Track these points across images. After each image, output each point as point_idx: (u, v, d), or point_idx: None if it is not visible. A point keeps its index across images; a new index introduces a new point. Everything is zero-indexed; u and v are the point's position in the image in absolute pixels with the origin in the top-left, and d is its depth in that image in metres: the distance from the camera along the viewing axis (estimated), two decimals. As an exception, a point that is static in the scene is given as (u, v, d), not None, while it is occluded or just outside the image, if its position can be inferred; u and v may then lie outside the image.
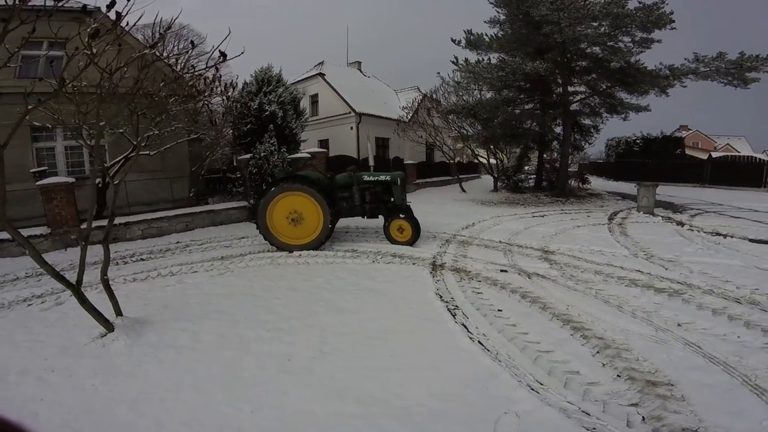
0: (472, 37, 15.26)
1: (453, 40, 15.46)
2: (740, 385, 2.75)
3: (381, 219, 8.03)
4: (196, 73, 5.48)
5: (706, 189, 19.11)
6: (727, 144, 45.50)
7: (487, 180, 21.74)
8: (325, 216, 7.18)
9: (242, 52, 3.83)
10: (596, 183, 22.08)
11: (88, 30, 2.92)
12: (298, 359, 3.31)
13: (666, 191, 17.45)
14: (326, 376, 3.06)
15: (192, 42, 6.32)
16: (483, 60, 14.12)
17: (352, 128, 19.87)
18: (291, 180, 7.40)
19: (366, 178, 7.94)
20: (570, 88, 16.15)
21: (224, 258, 6.97)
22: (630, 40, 14.29)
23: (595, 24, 13.42)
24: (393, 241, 7.51)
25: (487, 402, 2.65)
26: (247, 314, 4.29)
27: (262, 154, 10.47)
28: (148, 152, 9.19)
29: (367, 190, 7.90)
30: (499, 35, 15.45)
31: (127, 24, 3.46)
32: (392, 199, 7.86)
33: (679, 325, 3.69)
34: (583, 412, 2.52)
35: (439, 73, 15.16)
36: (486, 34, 15.30)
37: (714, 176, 20.12)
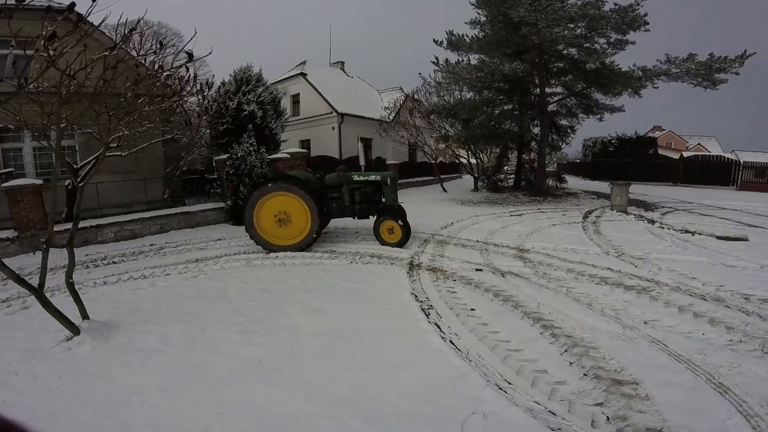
0: (453, 38, 15.38)
1: (435, 41, 15.55)
2: (704, 384, 2.80)
3: (372, 220, 7.90)
4: (166, 73, 5.34)
5: (678, 188, 19.76)
6: (699, 144, 47.07)
7: (468, 180, 21.93)
8: (312, 217, 7.09)
9: (209, 53, 3.76)
10: (574, 182, 22.54)
11: (44, 33, 2.82)
12: (269, 361, 3.28)
13: (640, 190, 17.95)
14: (296, 377, 3.04)
15: (160, 42, 6.18)
16: (462, 61, 14.22)
17: (333, 128, 19.77)
18: (279, 180, 7.30)
19: (356, 178, 7.84)
20: (547, 89, 16.42)
21: (198, 260, 6.84)
22: (605, 41, 14.63)
23: (571, 26, 13.68)
24: (383, 242, 7.40)
25: (456, 402, 2.66)
26: (219, 317, 4.23)
27: (239, 155, 10.32)
28: (120, 153, 8.97)
29: (356, 191, 7.79)
30: (480, 36, 15.61)
31: (90, 25, 3.37)
32: (383, 200, 7.77)
33: (645, 322, 3.78)
34: (549, 412, 2.55)
35: (420, 73, 15.26)
36: (467, 35, 15.45)
37: (686, 175, 20.81)
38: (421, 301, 4.55)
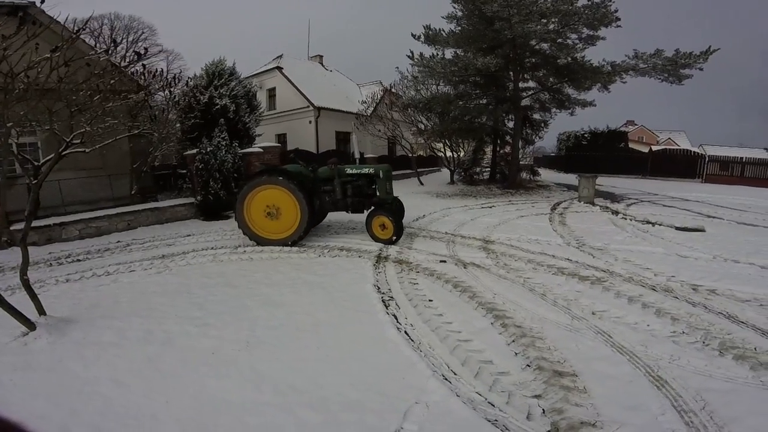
0: (430, 32, 15.39)
1: (413, 35, 15.54)
2: (642, 377, 2.86)
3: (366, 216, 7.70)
4: (133, 68, 5.24)
5: (647, 180, 20.38)
6: (669, 138, 48.57)
7: (446, 173, 22.12)
8: (302, 211, 6.94)
9: (146, 51, 3.68)
10: (548, 175, 23.00)
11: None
12: (223, 353, 3.33)
13: (610, 182, 18.45)
14: (248, 368, 3.10)
15: (114, 40, 6.05)
16: (437, 55, 14.28)
17: (310, 122, 19.63)
18: (269, 173, 7.18)
19: (348, 171, 7.69)
20: (521, 84, 16.65)
21: (165, 256, 6.76)
22: (577, 37, 14.91)
23: (544, 21, 13.89)
24: (375, 238, 7.19)
25: (402, 392, 2.75)
26: (179, 311, 4.26)
27: (209, 149, 10.18)
28: (83, 150, 8.75)
29: (349, 184, 7.60)
30: (456, 31, 15.69)
31: (40, 25, 3.29)
32: (377, 193, 7.61)
33: (593, 313, 3.91)
34: (488, 403, 2.64)
35: (398, 67, 15.23)
36: (443, 30, 15.51)
37: (654, 168, 21.49)
38: (383, 293, 4.64)
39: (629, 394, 2.68)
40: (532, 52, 15.19)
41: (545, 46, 15.01)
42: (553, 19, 14.12)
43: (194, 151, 10.92)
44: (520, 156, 19.61)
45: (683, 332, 3.50)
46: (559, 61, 14.81)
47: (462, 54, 14.30)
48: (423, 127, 17.80)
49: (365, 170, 7.64)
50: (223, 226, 9.57)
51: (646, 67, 14.15)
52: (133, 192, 10.95)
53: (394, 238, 7.01)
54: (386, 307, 4.20)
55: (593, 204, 11.35)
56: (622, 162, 22.59)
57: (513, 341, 3.39)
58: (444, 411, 2.55)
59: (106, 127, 8.90)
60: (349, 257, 6.30)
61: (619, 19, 14.26)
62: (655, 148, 24.39)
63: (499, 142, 18.98)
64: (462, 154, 19.89)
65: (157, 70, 10.62)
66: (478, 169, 18.82)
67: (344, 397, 2.72)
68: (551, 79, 15.91)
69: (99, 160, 10.68)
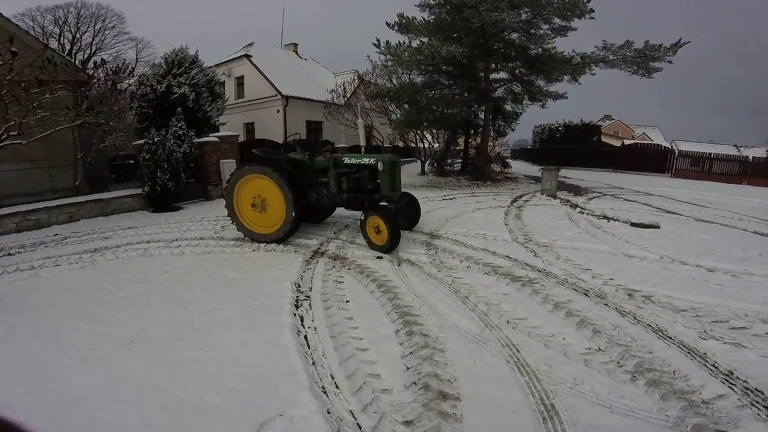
0: (404, 21, 15.01)
1: (387, 24, 15.14)
2: (530, 407, 2.52)
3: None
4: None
5: (618, 174, 20.48)
6: (643, 133, 49.30)
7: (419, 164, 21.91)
8: (287, 205, 6.19)
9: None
10: (522, 167, 22.96)
11: None
12: (102, 350, 3.24)
13: (580, 175, 18.49)
14: (120, 365, 3.00)
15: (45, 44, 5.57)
16: (404, 43, 13.93)
17: (278, 111, 19.10)
18: (257, 161, 6.53)
19: (346, 160, 6.65)
20: (494, 75, 16.44)
21: (97, 250, 6.42)
22: (548, 27, 14.70)
23: (513, 12, 13.62)
24: (371, 245, 5.99)
25: (269, 402, 2.49)
26: (80, 307, 4.07)
27: (156, 140, 9.70)
28: (20, 141, 8.29)
29: (345, 176, 6.51)
30: (429, 20, 15.33)
31: None
32: (380, 189, 6.31)
33: (508, 322, 3.59)
34: (356, 425, 2.36)
35: (368, 56, 14.72)
36: (415, 18, 15.13)
37: (626, 162, 21.64)
38: (301, 292, 4.36)
39: (505, 428, 2.37)
40: (503, 41, 14.96)
41: (514, 35, 14.80)
42: (525, 9, 13.91)
43: (141, 141, 10.42)
44: (492, 147, 19.52)
45: (599, 349, 3.15)
46: (531, 52, 14.63)
47: (427, 42, 13.95)
48: (395, 117, 17.49)
49: (365, 160, 6.46)
50: (169, 218, 9.16)
51: (615, 59, 14.05)
52: (77, 183, 10.41)
53: (388, 245, 5.74)
54: (296, 308, 3.92)
55: (555, 197, 11.22)
56: (594, 155, 22.69)
57: (411, 353, 3.08)
58: (305, 428, 2.27)
59: (40, 119, 8.49)
60: (285, 252, 5.99)
61: (593, 11, 14.09)
62: (628, 142, 24.52)
63: (472, 133, 18.80)
64: (436, 145, 19.69)
65: (100, 61, 10.17)
66: (450, 161, 18.61)
67: (204, 401, 2.56)
68: (522, 69, 15.72)
69: (44, 152, 10.20)
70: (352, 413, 2.45)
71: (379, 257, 5.61)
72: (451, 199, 10.95)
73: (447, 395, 2.59)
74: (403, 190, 6.97)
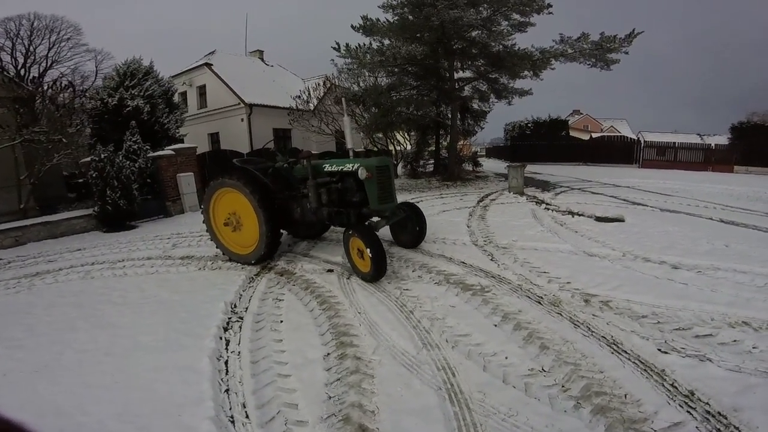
0: (368, 23, 14.81)
1: (353, 27, 14.90)
2: None
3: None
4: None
5: (586, 167, 20.73)
6: (611, 126, 50.31)
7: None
8: (260, 223, 5.41)
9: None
10: (494, 165, 23.02)
11: None
12: (14, 375, 3.14)
13: (550, 170, 18.60)
14: (29, 390, 2.92)
15: None
16: (364, 45, 13.72)
17: (243, 120, 18.66)
18: (229, 171, 5.76)
19: (327, 168, 5.60)
20: (460, 74, 16.37)
21: (39, 274, 6.18)
22: (507, 23, 14.71)
23: (472, 10, 13.57)
24: (356, 272, 4.96)
25: (167, 431, 2.32)
26: (3, 332, 3.98)
27: (103, 156, 9.22)
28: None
29: (325, 187, 5.43)
30: (393, 21, 15.18)
31: None
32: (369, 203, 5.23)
33: (447, 341, 3.29)
34: None
35: (332, 59, 14.36)
36: (379, 20, 14.94)
37: (594, 155, 21.95)
38: (235, 313, 4.09)
39: None
40: (464, 39, 14.88)
41: (475, 33, 14.76)
42: (483, 6, 13.88)
43: (88, 159, 9.92)
44: (464, 147, 19.48)
45: (543, 370, 2.85)
46: (492, 49, 14.60)
47: (389, 43, 13.78)
48: (363, 121, 17.25)
49: (349, 166, 5.28)
50: (121, 237, 8.71)
51: (573, 52, 14.13)
52: (22, 206, 9.82)
53: (372, 273, 4.67)
54: (225, 330, 3.63)
55: (522, 194, 11.13)
56: (563, 150, 22.93)
57: (338, 379, 2.79)
58: None
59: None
60: (230, 270, 5.65)
61: (551, 6, 14.13)
62: (596, 135, 24.92)
63: (442, 134, 18.70)
64: (408, 147, 19.55)
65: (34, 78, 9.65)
66: (422, 162, 18.48)
67: (102, 426, 2.47)
68: (486, 67, 15.69)
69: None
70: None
71: (329, 270, 5.31)
72: (418, 202, 10.73)
73: (366, 430, 2.31)
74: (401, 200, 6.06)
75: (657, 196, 10.90)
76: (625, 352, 3.04)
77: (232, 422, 2.41)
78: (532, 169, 19.42)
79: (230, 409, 2.54)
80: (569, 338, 3.25)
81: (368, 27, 14.84)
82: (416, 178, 16.89)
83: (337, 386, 2.74)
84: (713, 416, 2.35)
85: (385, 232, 6.26)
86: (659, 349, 3.03)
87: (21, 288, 5.50)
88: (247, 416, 2.45)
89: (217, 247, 6.29)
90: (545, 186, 13.16)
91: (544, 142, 23.43)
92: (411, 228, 6.10)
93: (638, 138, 23.40)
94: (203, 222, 6.34)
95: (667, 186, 13.16)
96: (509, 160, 25.27)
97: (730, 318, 3.46)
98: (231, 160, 6.82)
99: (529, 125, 24.53)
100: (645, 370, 2.81)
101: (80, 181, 14.74)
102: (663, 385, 2.64)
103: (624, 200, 10.14)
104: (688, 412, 2.39)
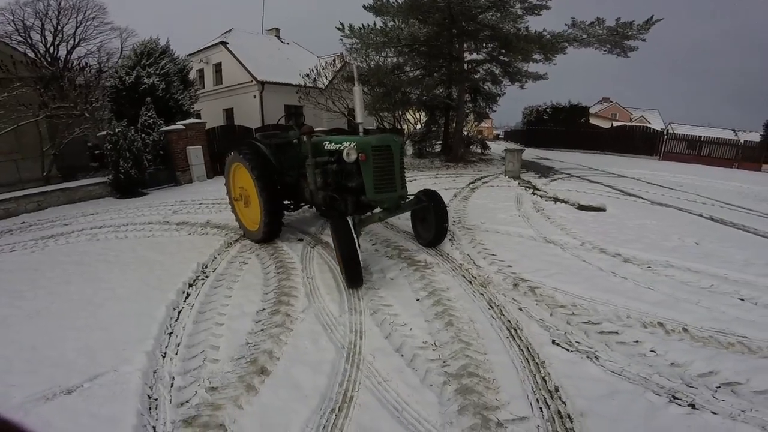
0: (378, 3, 14.88)
1: (364, 7, 15.00)
2: (326, 397, 2.48)
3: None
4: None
5: (605, 156, 20.21)
6: (642, 116, 47.70)
7: (405, 147, 21.92)
8: (260, 199, 5.17)
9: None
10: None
11: None
12: (11, 319, 3.65)
13: (561, 157, 18.33)
14: (17, 330, 3.43)
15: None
16: (368, 26, 13.84)
17: (255, 96, 19.25)
18: (242, 145, 5.57)
19: (327, 146, 5.02)
20: (472, 56, 16.22)
21: (53, 236, 6.84)
22: (521, 6, 14.41)
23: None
24: (340, 269, 4.30)
25: (111, 361, 2.88)
26: (10, 285, 4.50)
27: (117, 130, 10.00)
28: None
29: (323, 166, 4.83)
30: (402, 1, 15.15)
31: None
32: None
33: (370, 309, 3.61)
34: (170, 384, 2.65)
35: (341, 39, 14.44)
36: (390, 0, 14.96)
37: (613, 144, 21.30)
38: (204, 272, 4.67)
39: (294, 411, 2.33)
40: (473, 20, 14.69)
41: (490, 14, 14.54)
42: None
43: (104, 132, 10.76)
44: (473, 129, 19.41)
45: (435, 345, 2.97)
46: (502, 30, 14.38)
47: (391, 23, 13.81)
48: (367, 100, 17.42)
49: (347, 144, 4.53)
50: (130, 204, 9.52)
51: (587, 37, 13.79)
52: (45, 174, 10.79)
53: (345, 281, 4.05)
54: (189, 287, 4.19)
55: (517, 178, 11.21)
56: (580, 137, 22.39)
57: (262, 330, 3.28)
58: (123, 381, 2.63)
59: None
60: (215, 235, 6.26)
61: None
62: (617, 124, 24.19)
63: (451, 115, 18.67)
64: (418, 126, 19.63)
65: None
66: (432, 142, 18.57)
67: (62, 357, 2.96)
68: (496, 50, 15.50)
69: (13, 145, 10.62)
70: (172, 375, 2.70)
71: (299, 239, 5.79)
72: (410, 182, 10.99)
73: (265, 371, 2.75)
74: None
75: (658, 188, 10.62)
76: (519, 338, 3.08)
77: (164, 356, 2.95)
78: (543, 154, 19.26)
79: (166, 347, 3.09)
80: (476, 318, 3.37)
81: (378, 7, 14.89)
82: (422, 157, 17.05)
83: (258, 335, 3.22)
84: (561, 418, 2.29)
85: (404, 223, 6.25)
86: (553, 341, 3.04)
87: (36, 248, 6.15)
88: (177, 353, 2.99)
89: (236, 221, 6.20)
90: (546, 172, 13.12)
91: (562, 128, 22.97)
92: (428, 222, 5.25)
93: (668, 129, 22.52)
94: (226, 194, 6.32)
95: (676, 180, 12.67)
96: (524, 144, 25.02)
97: (648, 317, 3.37)
98: (240, 135, 7.06)
99: (548, 110, 24.05)
100: (525, 359, 2.83)
101: (98, 152, 15.85)
102: (533, 378, 2.63)
103: (620, 191, 9.96)
104: (540, 409, 2.36)
